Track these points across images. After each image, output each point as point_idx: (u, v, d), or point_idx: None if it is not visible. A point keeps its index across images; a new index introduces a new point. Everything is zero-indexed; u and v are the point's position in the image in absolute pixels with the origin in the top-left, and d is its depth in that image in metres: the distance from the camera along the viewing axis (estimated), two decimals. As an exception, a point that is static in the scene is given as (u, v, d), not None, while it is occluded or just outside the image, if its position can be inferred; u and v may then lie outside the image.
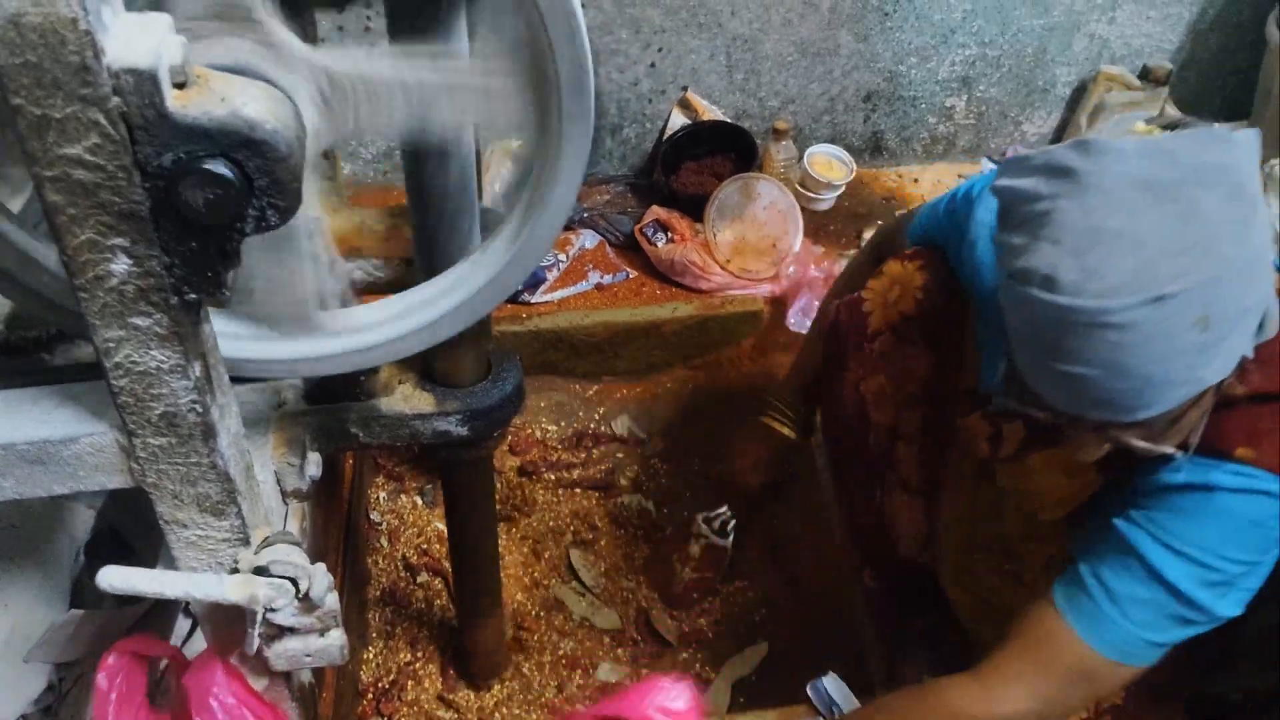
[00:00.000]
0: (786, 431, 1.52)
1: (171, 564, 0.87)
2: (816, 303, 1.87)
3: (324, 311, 0.90)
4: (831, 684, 1.28)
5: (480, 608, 1.47)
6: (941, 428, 1.25)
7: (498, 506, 1.74)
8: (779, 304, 1.93)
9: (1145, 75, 2.16)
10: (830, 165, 2.18)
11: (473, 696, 1.56)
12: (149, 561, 1.26)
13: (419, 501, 1.80)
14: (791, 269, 1.94)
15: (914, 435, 1.29)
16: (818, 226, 2.12)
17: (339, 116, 0.73)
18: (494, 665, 1.57)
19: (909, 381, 1.28)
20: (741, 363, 1.96)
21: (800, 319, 1.87)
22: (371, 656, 1.59)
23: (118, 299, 0.65)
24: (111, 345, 0.67)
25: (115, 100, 0.57)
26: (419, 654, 1.59)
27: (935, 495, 1.30)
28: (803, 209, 2.02)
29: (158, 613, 1.24)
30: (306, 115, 0.68)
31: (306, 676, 1.10)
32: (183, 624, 1.34)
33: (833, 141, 2.23)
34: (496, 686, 1.57)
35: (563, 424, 1.96)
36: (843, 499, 1.48)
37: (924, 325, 1.26)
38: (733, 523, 1.66)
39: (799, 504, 1.71)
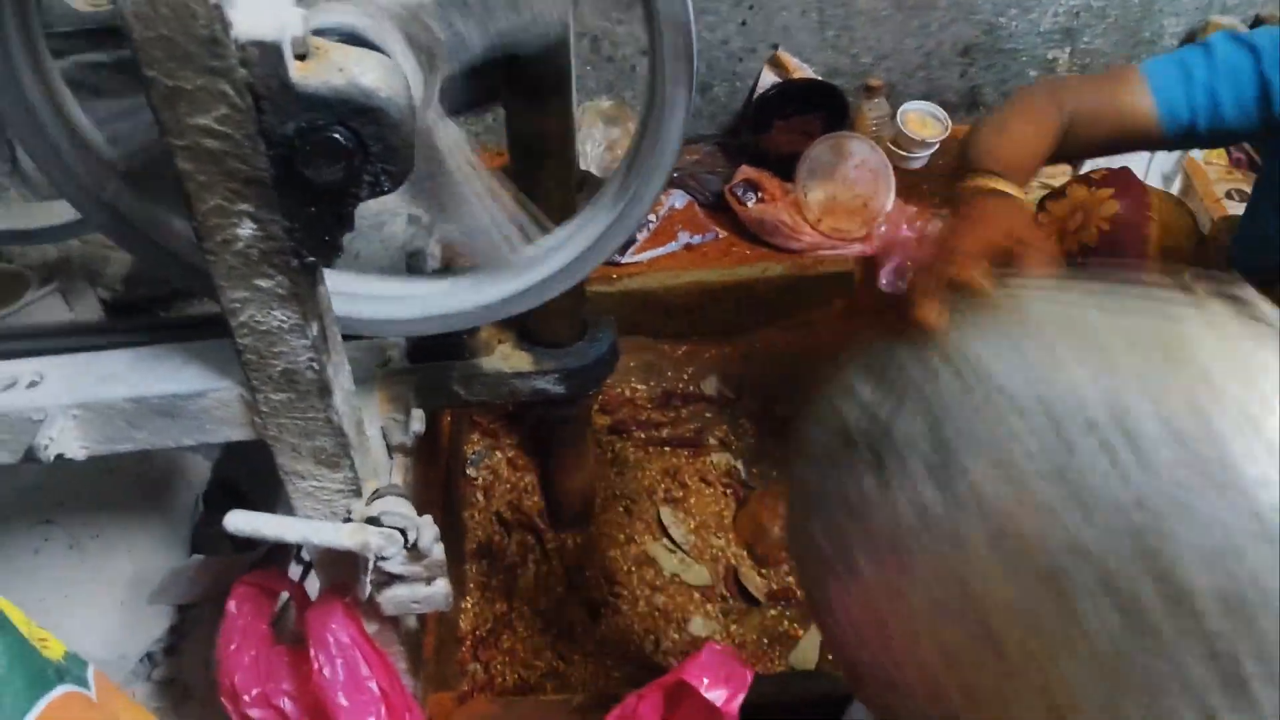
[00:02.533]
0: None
1: (288, 513, 0.92)
2: (909, 262, 1.85)
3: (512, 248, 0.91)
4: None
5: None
6: None
7: (592, 464, 1.77)
8: (870, 265, 1.91)
9: (1258, 25, 2.07)
10: (924, 123, 2.14)
11: (562, 646, 1.60)
12: (262, 510, 1.32)
13: (516, 458, 1.84)
14: (883, 229, 1.92)
15: None
16: (910, 186, 2.08)
17: (434, 49, 0.73)
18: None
19: None
20: (832, 323, 1.94)
21: (893, 279, 1.85)
22: (469, 606, 1.64)
23: (243, 261, 0.68)
24: (237, 305, 0.71)
25: (242, 72, 0.60)
26: (514, 605, 1.64)
27: None
28: (895, 168, 1.99)
29: (271, 560, 1.30)
30: (409, 73, 0.70)
31: (412, 622, 1.15)
32: (294, 572, 1.40)
33: (927, 98, 2.18)
34: (590, 639, 1.61)
35: (652, 383, 1.97)
36: None
37: (1107, 257, 1.16)
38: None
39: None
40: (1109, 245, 1.14)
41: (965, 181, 1.04)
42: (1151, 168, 1.94)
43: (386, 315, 0.95)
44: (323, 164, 0.63)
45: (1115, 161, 1.17)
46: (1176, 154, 1.73)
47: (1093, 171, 1.16)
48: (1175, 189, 1.95)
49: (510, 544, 1.74)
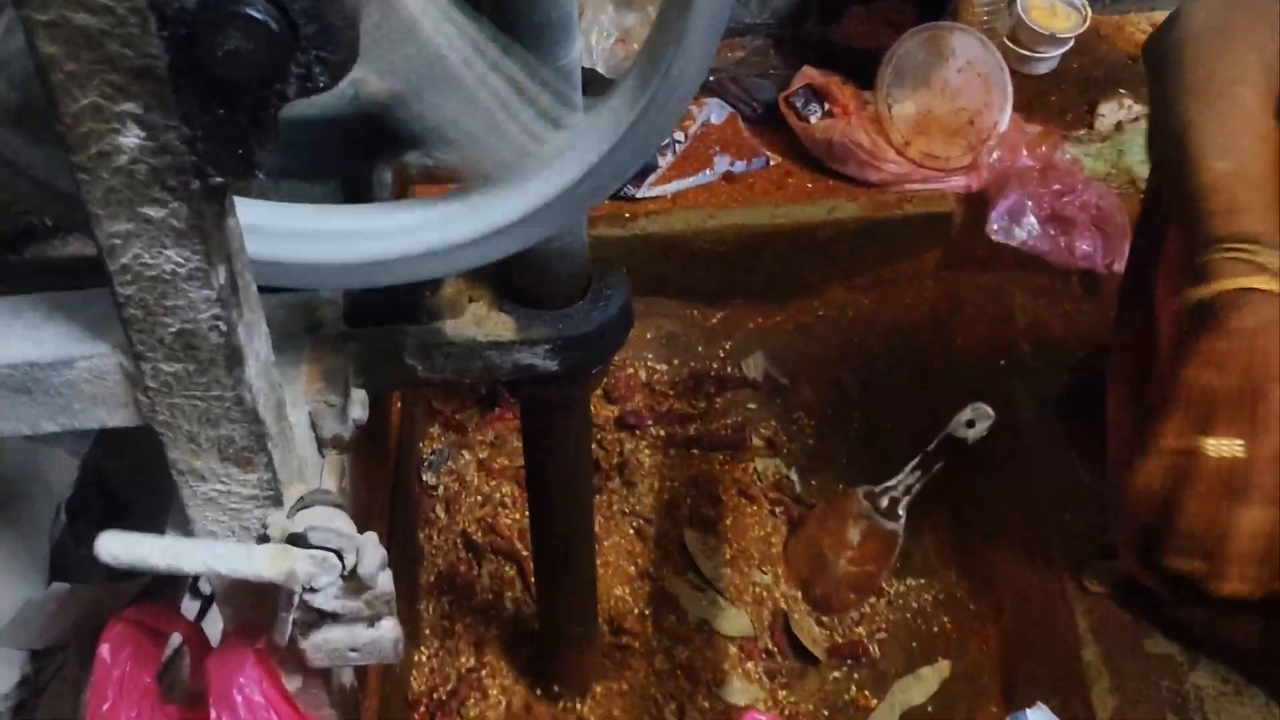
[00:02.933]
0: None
1: (182, 526, 0.93)
2: (1029, 203, 1.84)
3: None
4: (1038, 716, 1.29)
5: (568, 604, 1.51)
6: None
7: (594, 468, 1.78)
8: (977, 204, 1.90)
9: None
10: (1053, 11, 2.13)
11: (553, 716, 1.61)
12: (147, 522, 1.33)
13: (490, 460, 1.85)
14: (995, 155, 1.91)
15: None
16: (1033, 96, 2.07)
17: None
18: (584, 678, 1.62)
19: None
20: (923, 284, 1.95)
21: (1006, 224, 1.84)
22: (425, 659, 1.66)
23: (126, 182, 0.68)
24: (117, 242, 0.71)
25: (127, -80, 0.59)
26: (485, 658, 1.65)
27: None
28: (1012, 72, 1.98)
29: (158, 591, 1.31)
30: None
31: (348, 677, 1.15)
32: (188, 608, 1.41)
33: (1058, -23, 2.17)
34: (587, 704, 1.62)
35: (676, 362, 1.98)
36: (1115, 453, 1.44)
37: None
38: (906, 499, 1.67)
39: (999, 471, 1.71)
40: None
41: (1212, 270, 0.98)
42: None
43: (323, 258, 0.95)
44: (235, 49, 0.63)
45: None
46: None
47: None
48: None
49: (481, 575, 1.74)
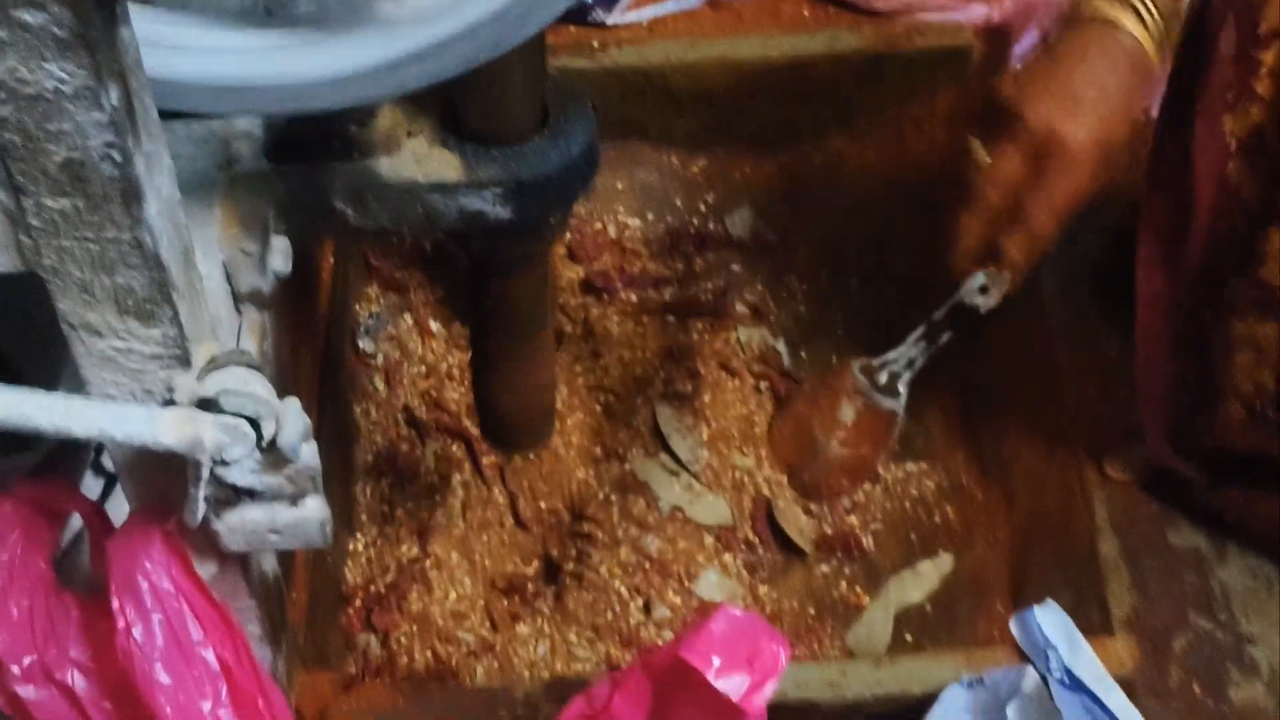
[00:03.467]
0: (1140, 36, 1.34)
1: (77, 391, 0.92)
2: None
3: None
4: (1048, 619, 1.30)
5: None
6: None
7: (555, 337, 1.78)
8: (998, 38, 1.88)
9: None
10: None
11: (506, 614, 1.63)
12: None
13: (436, 325, 1.84)
14: (1022, -19, 1.88)
15: None
16: (1068, -88, 2.04)
17: None
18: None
19: None
20: (934, 129, 1.92)
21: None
22: (360, 549, 1.66)
23: (-5, -23, 0.66)
24: (-12, 53, 0.69)
25: None
26: (430, 548, 1.66)
27: None
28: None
29: (54, 466, 1.31)
30: None
31: (270, 566, 1.16)
32: (90, 487, 1.41)
33: None
34: (546, 600, 1.64)
35: (651, 217, 1.96)
36: (1144, 322, 1.46)
37: None
38: (909, 374, 1.67)
39: (1014, 344, 1.71)
40: None
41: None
42: None
43: (229, 78, 0.93)
44: None
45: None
46: None
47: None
48: None
49: (425, 456, 1.75)
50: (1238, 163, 1.28)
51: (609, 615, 1.62)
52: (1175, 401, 1.44)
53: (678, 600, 1.64)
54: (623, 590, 1.63)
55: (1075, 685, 1.26)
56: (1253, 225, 1.29)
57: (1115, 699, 1.26)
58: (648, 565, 1.65)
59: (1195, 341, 1.39)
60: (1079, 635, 1.30)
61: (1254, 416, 1.35)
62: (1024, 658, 1.30)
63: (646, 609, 1.63)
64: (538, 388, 1.51)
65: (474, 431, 1.73)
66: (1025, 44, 1.83)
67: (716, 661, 0.98)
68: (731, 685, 0.97)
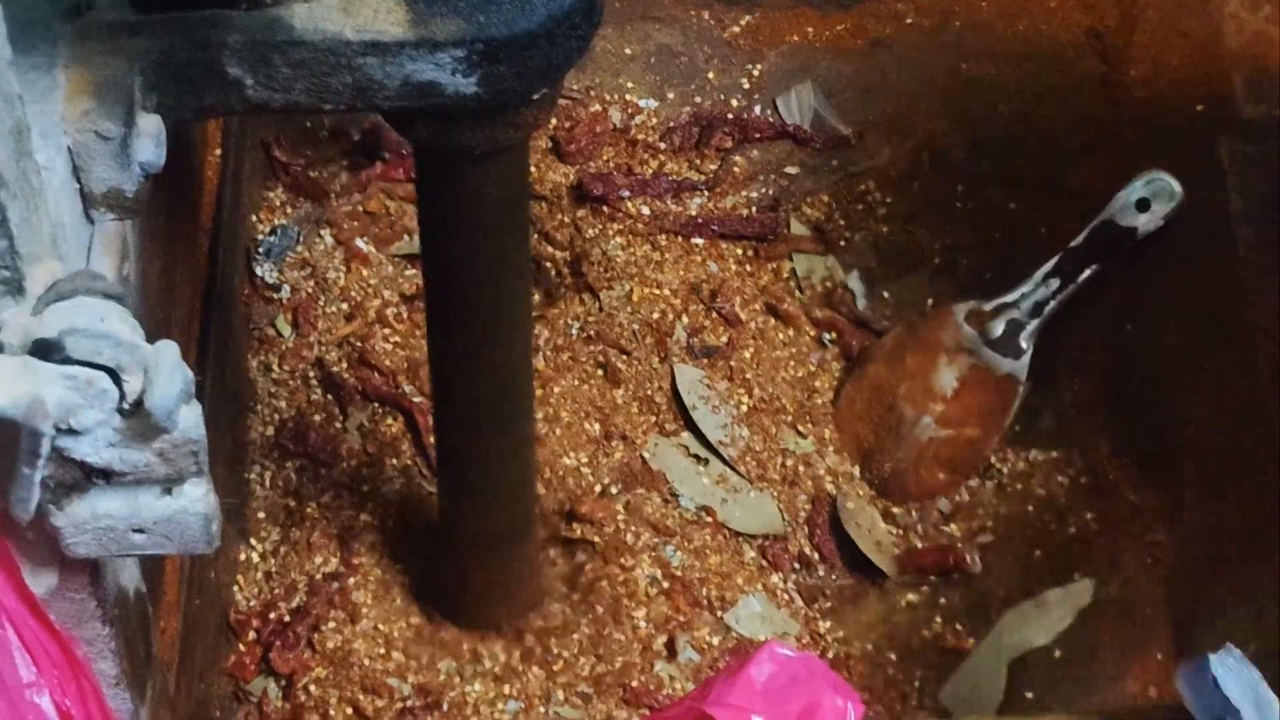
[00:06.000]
0: None
1: None
2: None
3: None
4: (1228, 671, 1.31)
5: (486, 482, 1.52)
6: None
7: (535, 268, 1.78)
8: None
9: None
10: None
11: (463, 653, 1.64)
12: None
13: (365, 247, 1.85)
14: None
15: None
16: None
17: None
18: (510, 596, 1.65)
19: None
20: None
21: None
22: (256, 559, 1.67)
23: None
24: None
25: None
26: (354, 559, 1.67)
27: None
28: None
29: None
30: None
31: (131, 579, 1.17)
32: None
33: None
34: (512, 638, 1.64)
35: (672, 96, 1.97)
36: None
37: None
38: (1035, 324, 1.67)
39: (1187, 283, 1.71)
40: None
41: None
42: None
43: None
44: None
45: None
46: None
47: None
48: None
49: (347, 431, 1.75)
50: None
51: (611, 656, 1.63)
52: None
53: (713, 640, 1.65)
54: (630, 621, 1.64)
55: (1264, 764, 1.27)
56: None
57: (1320, 784, 1.28)
58: (665, 588, 1.66)
59: None
60: (1271, 696, 1.31)
61: None
62: (1192, 722, 1.31)
63: (670, 650, 1.64)
64: (510, 340, 1.51)
65: (416, 398, 1.74)
66: None
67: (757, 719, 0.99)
68: None
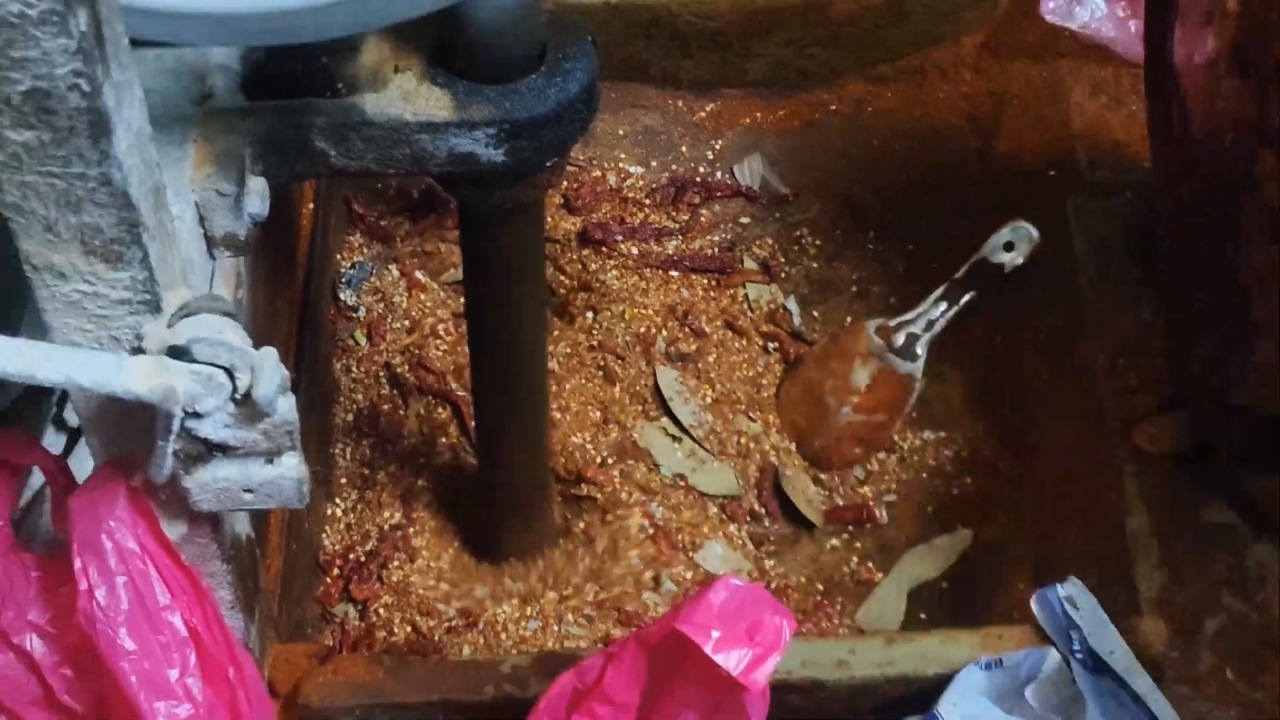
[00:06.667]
0: None
1: (39, 337, 0.92)
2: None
3: None
4: (1072, 598, 1.31)
5: (513, 455, 1.53)
6: None
7: (550, 294, 1.78)
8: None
9: None
10: None
11: (495, 584, 1.64)
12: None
13: (423, 278, 1.85)
14: (1058, -84, 1.88)
15: None
16: None
17: None
18: (531, 540, 1.65)
19: None
20: (961, 76, 1.93)
21: (1065, 4, 1.82)
22: (339, 514, 1.67)
23: (-44, -106, 0.66)
24: (-53, -29, 0.69)
25: None
26: (413, 514, 1.67)
27: None
28: None
29: (15, 418, 1.31)
30: None
31: (243, 528, 1.17)
32: (52, 442, 1.42)
33: None
34: (533, 572, 1.64)
35: (654, 164, 1.97)
36: (1170, 263, 1.45)
37: None
38: (927, 336, 1.67)
39: (1042, 306, 1.71)
40: None
41: None
42: None
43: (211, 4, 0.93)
44: None
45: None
46: None
47: None
48: None
49: (408, 417, 1.75)
50: (1222, 79, 1.29)
51: (606, 589, 1.63)
52: (1209, 349, 1.43)
53: (687, 574, 1.65)
54: (622, 562, 1.65)
55: (1099, 668, 1.27)
56: (1247, 143, 1.28)
57: (1142, 683, 1.27)
58: (650, 535, 1.66)
59: (1222, 275, 1.38)
60: (1105, 616, 1.31)
61: None
62: (1045, 639, 1.30)
63: (656, 582, 1.64)
64: (529, 347, 1.51)
65: (461, 394, 1.74)
66: (1058, -15, 1.82)
67: (715, 634, 0.98)
68: (731, 659, 0.98)
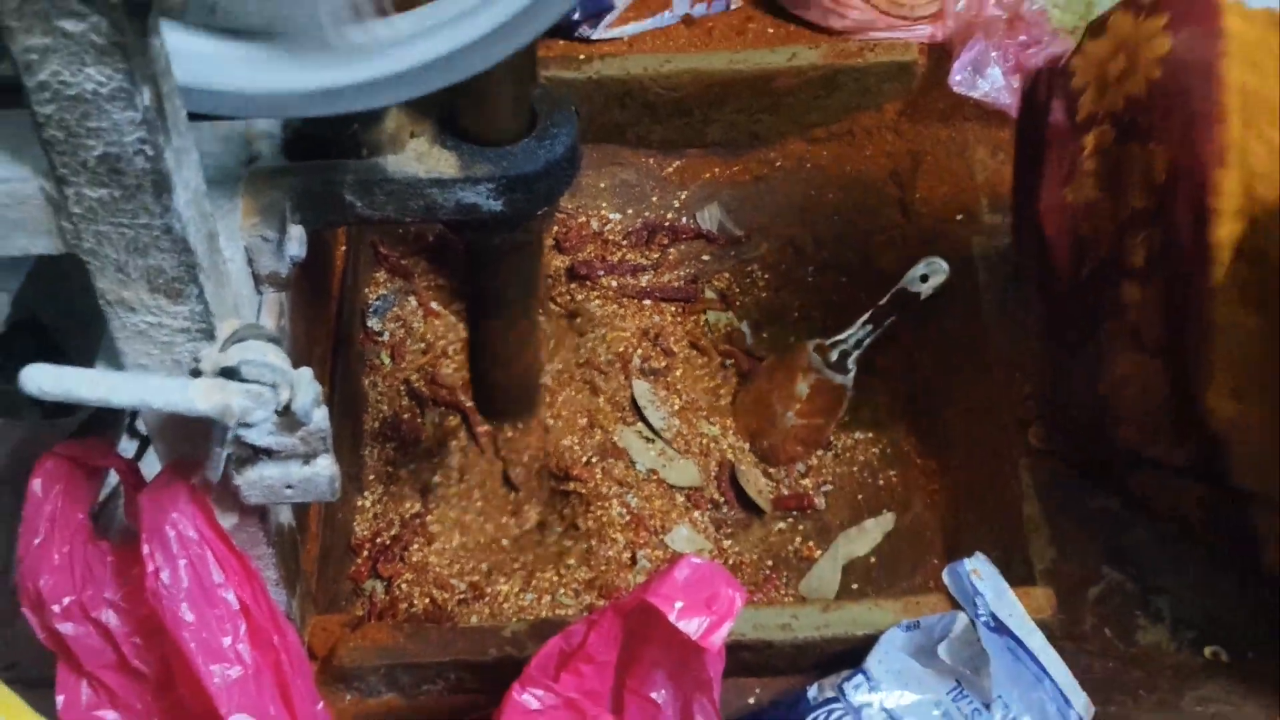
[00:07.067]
0: None
1: (112, 361, 0.93)
2: (994, 54, 1.83)
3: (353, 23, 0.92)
4: (977, 570, 1.32)
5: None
6: (1181, 258, 1.19)
7: (543, 320, 1.79)
8: (941, 54, 1.89)
9: None
10: None
11: (500, 562, 1.64)
12: (80, 363, 1.32)
13: (437, 307, 1.85)
14: (962, 4, 1.89)
15: (1145, 271, 1.25)
16: (1005, -57, 2.04)
17: None
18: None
19: (1134, 194, 1.25)
20: (883, 137, 1.94)
21: (969, 76, 1.83)
22: (368, 505, 1.68)
23: (42, -8, 0.67)
24: (34, 58, 0.70)
25: None
26: (430, 505, 1.67)
27: (1183, 357, 1.24)
28: (984, -83, 1.95)
29: (94, 428, 1.31)
30: None
31: (286, 518, 1.17)
32: (126, 449, 1.42)
33: None
34: (531, 557, 1.65)
35: (630, 212, 1.97)
36: (1048, 354, 1.49)
37: (1159, 115, 1.19)
38: (857, 353, 1.68)
39: (951, 327, 1.73)
40: (1162, 99, 1.17)
41: None
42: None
43: (257, 86, 0.94)
44: None
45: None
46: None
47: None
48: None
49: (425, 424, 1.76)
50: (1080, 223, 1.32)
51: (590, 566, 1.63)
52: (1072, 389, 1.46)
53: (658, 554, 1.65)
54: (603, 544, 1.65)
55: (1000, 629, 1.28)
56: (1108, 279, 1.31)
57: (1035, 641, 1.29)
58: (626, 520, 1.66)
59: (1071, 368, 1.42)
60: (1004, 585, 1.32)
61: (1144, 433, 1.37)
62: (955, 604, 1.32)
63: (633, 561, 1.64)
64: (525, 365, 1.52)
65: (468, 404, 1.75)
66: (964, 60, 1.83)
67: (679, 605, 0.99)
68: (692, 625, 0.99)
